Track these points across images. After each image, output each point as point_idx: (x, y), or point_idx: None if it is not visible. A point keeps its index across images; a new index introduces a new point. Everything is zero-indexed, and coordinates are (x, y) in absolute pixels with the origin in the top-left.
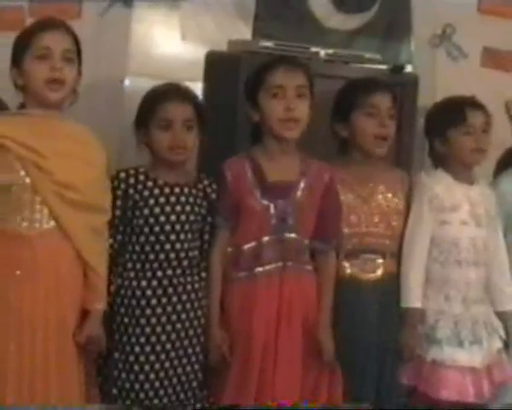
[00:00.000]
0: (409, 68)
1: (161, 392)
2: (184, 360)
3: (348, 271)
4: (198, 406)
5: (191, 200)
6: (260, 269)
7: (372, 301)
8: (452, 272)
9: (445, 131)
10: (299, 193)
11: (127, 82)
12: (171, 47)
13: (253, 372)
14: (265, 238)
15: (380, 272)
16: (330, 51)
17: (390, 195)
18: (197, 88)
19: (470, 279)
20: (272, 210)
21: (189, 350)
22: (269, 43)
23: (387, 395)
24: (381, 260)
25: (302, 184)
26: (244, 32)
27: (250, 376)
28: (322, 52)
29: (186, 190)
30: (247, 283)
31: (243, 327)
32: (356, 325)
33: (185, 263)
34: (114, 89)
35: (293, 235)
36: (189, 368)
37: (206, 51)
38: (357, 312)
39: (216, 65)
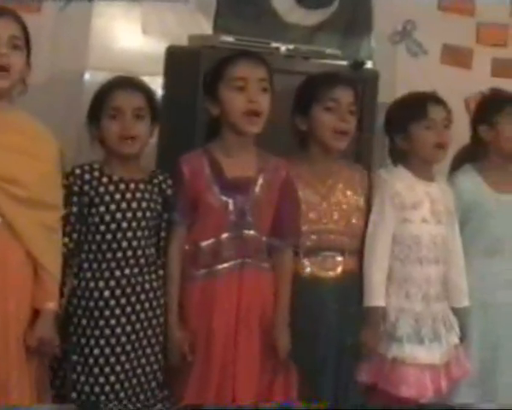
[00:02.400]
0: (369, 64)
1: (121, 394)
2: (143, 361)
3: (308, 269)
4: (159, 406)
5: (147, 196)
6: (219, 267)
7: (331, 299)
8: (413, 270)
9: (407, 127)
10: (257, 189)
11: (87, 76)
12: (131, 41)
13: (214, 371)
14: (224, 235)
15: (339, 269)
16: (291, 46)
17: (349, 192)
18: (157, 82)
19: (430, 277)
20: (231, 206)
21: (148, 350)
22: (229, 38)
23: (345, 394)
24: (340, 258)
25: (260, 180)
26: (205, 27)
27: (210, 374)
28: (283, 47)
29: (141, 185)
30: (206, 280)
31: (203, 325)
32: (315, 324)
33: (142, 261)
34: (74, 83)
35: (252, 232)
36: (148, 369)
37: (166, 46)
38: (316, 310)
39: (176, 59)
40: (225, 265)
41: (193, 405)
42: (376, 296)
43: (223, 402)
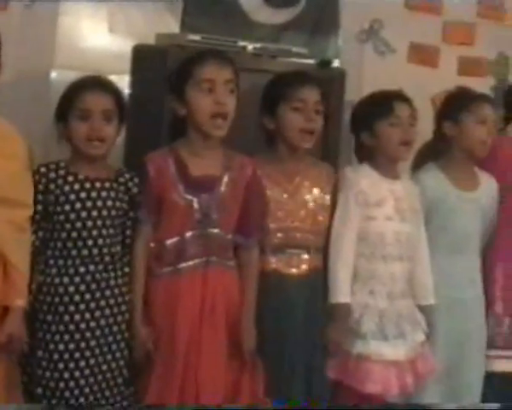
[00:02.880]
0: (336, 63)
1: (87, 390)
2: (109, 357)
3: (273, 266)
4: (124, 403)
5: (112, 194)
6: (184, 264)
7: (298, 296)
8: (378, 267)
9: (373, 124)
10: (222, 188)
11: (54, 75)
12: (98, 40)
13: (177, 369)
14: (189, 233)
15: (305, 266)
16: (258, 45)
17: (316, 190)
18: (124, 81)
19: (395, 274)
20: (196, 205)
21: (114, 346)
22: (196, 37)
23: (318, 391)
24: (305, 256)
25: (226, 179)
26: (172, 26)
27: (174, 372)
28: (250, 46)
29: (107, 184)
30: (170, 278)
31: (167, 323)
32: (282, 321)
33: (107, 259)
34: (41, 81)
35: (216, 230)
36: (113, 365)
37: (133, 44)
38: (283, 307)
39: (143, 58)
40: (190, 263)
41: (155, 404)
42: (342, 293)
43: (186, 401)
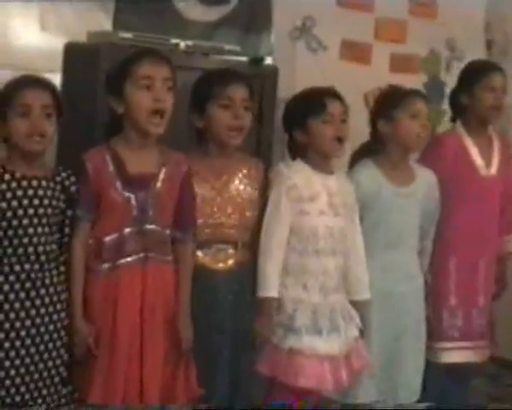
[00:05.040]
0: (269, 60)
1: (23, 389)
2: (45, 356)
3: (200, 260)
4: (62, 401)
5: (49, 193)
6: (122, 261)
7: (225, 290)
8: (310, 262)
9: (306, 121)
10: (159, 184)
11: None
12: (30, 38)
13: (120, 366)
14: (127, 230)
15: (231, 262)
16: (190, 43)
17: (244, 186)
18: (56, 79)
19: (328, 268)
20: (133, 202)
21: (50, 345)
22: (128, 35)
23: (244, 386)
24: (232, 251)
25: (162, 176)
26: (104, 24)
27: (116, 369)
28: (183, 44)
29: (44, 183)
30: (109, 275)
31: (107, 320)
32: (209, 316)
33: (43, 257)
34: None
35: (153, 226)
36: (50, 363)
37: (65, 42)
38: (210, 302)
39: (75, 56)
40: (128, 259)
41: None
42: (269, 287)
43: (130, 398)
